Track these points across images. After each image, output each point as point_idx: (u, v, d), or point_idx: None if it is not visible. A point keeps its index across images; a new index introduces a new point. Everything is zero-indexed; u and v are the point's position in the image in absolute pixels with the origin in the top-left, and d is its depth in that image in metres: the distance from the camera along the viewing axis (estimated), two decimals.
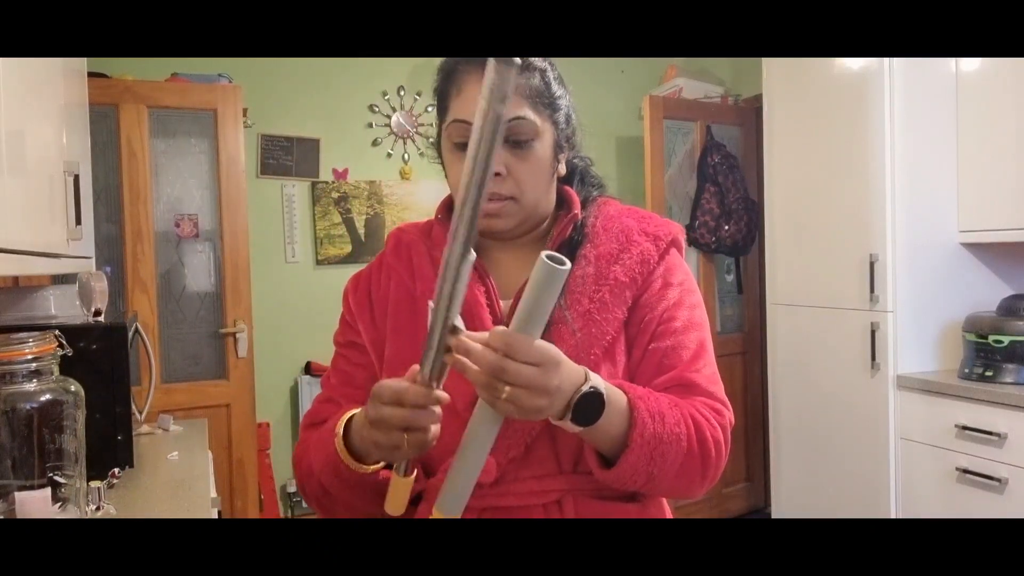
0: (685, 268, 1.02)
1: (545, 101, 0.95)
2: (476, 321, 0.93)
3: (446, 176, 1.01)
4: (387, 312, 0.99)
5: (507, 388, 0.74)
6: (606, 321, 0.93)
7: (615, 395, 0.84)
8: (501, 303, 0.97)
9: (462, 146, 0.92)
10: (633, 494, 0.96)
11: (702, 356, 0.96)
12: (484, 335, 0.75)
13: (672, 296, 0.97)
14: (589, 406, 0.80)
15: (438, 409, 0.78)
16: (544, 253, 0.73)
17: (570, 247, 0.98)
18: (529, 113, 0.92)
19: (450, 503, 0.81)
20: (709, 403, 0.93)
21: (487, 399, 0.76)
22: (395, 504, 0.85)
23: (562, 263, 0.72)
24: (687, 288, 0.99)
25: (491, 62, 0.65)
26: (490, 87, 0.65)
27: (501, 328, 0.75)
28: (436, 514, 0.82)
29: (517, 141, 0.92)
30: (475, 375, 0.74)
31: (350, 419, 0.90)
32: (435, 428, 0.79)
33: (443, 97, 0.96)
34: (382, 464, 0.89)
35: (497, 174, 0.91)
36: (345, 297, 1.05)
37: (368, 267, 1.06)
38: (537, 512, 0.91)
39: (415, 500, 0.92)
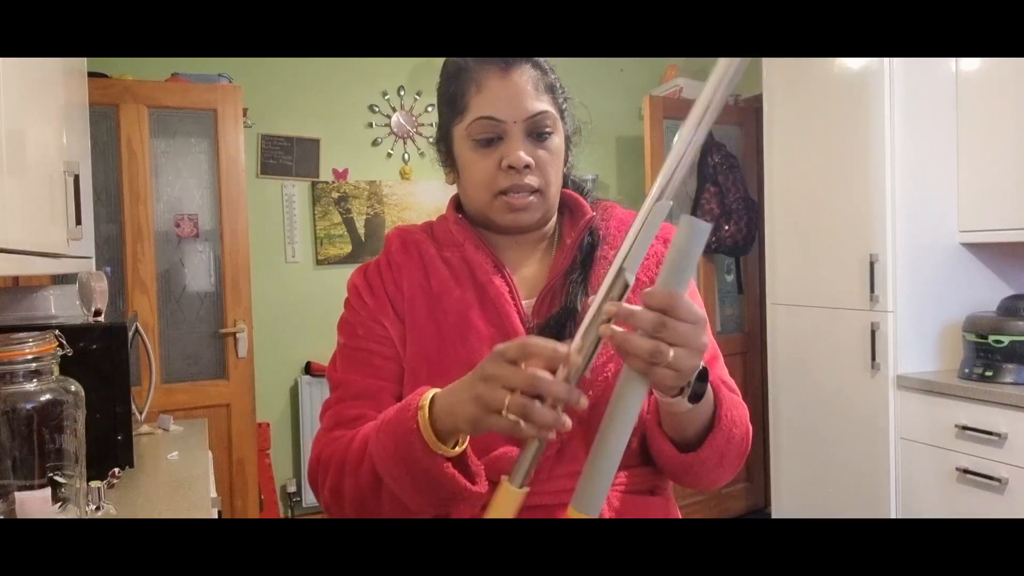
0: None
1: (557, 98, 0.98)
2: (504, 318, 0.95)
3: (454, 174, 1.01)
4: (404, 308, 0.99)
5: (671, 350, 0.70)
6: None
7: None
8: (524, 302, 0.97)
9: (485, 143, 0.94)
10: (653, 488, 0.97)
11: (718, 357, 1.00)
12: (633, 307, 0.72)
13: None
14: (702, 382, 0.81)
15: (584, 402, 0.72)
16: (684, 215, 0.73)
17: (586, 249, 1.00)
18: (549, 107, 0.95)
19: (590, 500, 0.74)
20: (738, 399, 0.96)
21: (643, 367, 0.71)
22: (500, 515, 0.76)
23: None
24: (694, 291, 1.02)
25: (734, 62, 0.70)
26: (728, 81, 0.70)
27: (653, 289, 0.72)
28: (573, 514, 0.75)
29: (540, 133, 0.95)
30: (637, 343, 0.70)
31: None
32: (568, 420, 0.72)
33: (458, 96, 0.96)
34: (463, 446, 0.82)
35: (527, 166, 0.93)
36: (356, 292, 1.02)
37: (374, 263, 1.04)
38: None
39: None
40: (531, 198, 0.95)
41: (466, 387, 0.76)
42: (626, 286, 0.73)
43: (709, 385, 0.85)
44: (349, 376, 0.99)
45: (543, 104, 0.95)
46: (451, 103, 0.98)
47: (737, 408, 0.91)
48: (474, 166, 0.96)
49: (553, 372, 0.72)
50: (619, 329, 0.72)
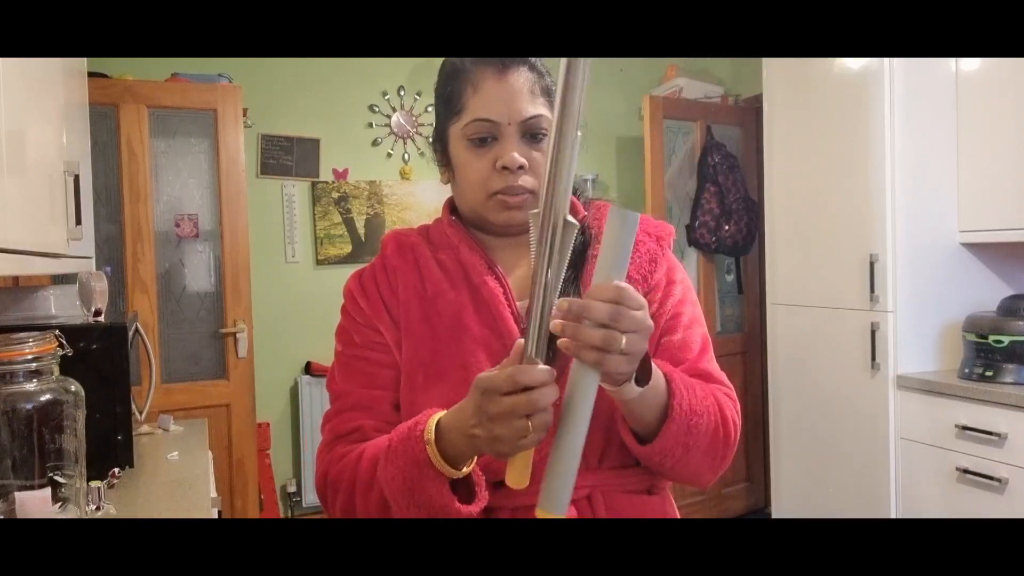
0: (681, 266, 1.06)
1: (553, 101, 0.98)
2: (498, 319, 0.95)
3: (449, 173, 1.02)
4: (400, 313, 0.99)
5: (624, 337, 0.72)
6: None
7: (654, 363, 0.86)
8: (518, 303, 0.98)
9: (480, 143, 0.95)
10: (651, 487, 0.98)
11: (707, 350, 1.01)
12: (587, 301, 0.73)
13: (677, 293, 1.01)
14: (646, 363, 0.82)
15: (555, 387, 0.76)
16: (613, 207, 0.75)
17: (578, 249, 0.99)
18: (544, 110, 0.97)
19: (556, 499, 0.76)
20: (724, 390, 0.97)
21: (596, 358, 0.73)
22: (521, 476, 0.81)
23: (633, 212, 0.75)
24: (687, 286, 1.04)
25: (581, 62, 0.71)
26: (581, 84, 0.72)
27: (601, 283, 0.74)
28: (541, 515, 0.77)
29: (535, 135, 0.96)
30: (590, 332, 0.73)
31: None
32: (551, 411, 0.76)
33: (456, 96, 0.97)
34: (473, 464, 0.86)
35: (520, 167, 0.94)
36: (352, 298, 1.03)
37: (370, 267, 1.05)
38: (568, 509, 0.92)
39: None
40: (524, 198, 0.95)
41: (471, 425, 0.78)
42: (567, 226, 0.75)
43: (662, 374, 0.87)
44: (346, 386, 1.00)
45: (539, 107, 0.96)
46: (448, 103, 0.99)
47: (699, 398, 0.90)
48: (469, 166, 0.97)
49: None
50: (569, 324, 0.74)
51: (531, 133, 0.95)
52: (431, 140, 1.06)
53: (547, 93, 0.98)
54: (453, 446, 0.83)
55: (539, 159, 0.96)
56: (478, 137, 0.95)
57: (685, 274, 1.05)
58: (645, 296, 0.98)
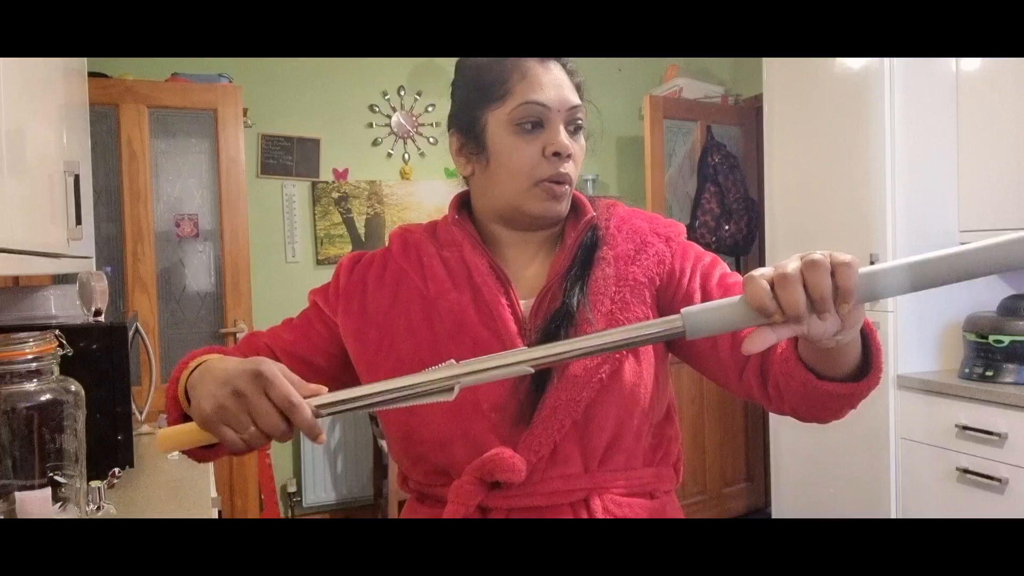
0: (698, 247, 1.03)
1: (583, 98, 1.00)
2: (499, 321, 0.93)
3: (478, 164, 0.98)
4: (388, 311, 0.98)
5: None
6: (627, 320, 0.94)
7: None
8: (521, 303, 0.96)
9: (529, 128, 0.94)
10: (653, 491, 0.96)
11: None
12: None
13: (718, 269, 0.99)
14: None
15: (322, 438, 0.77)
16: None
17: (586, 249, 0.99)
18: (580, 103, 0.98)
19: None
20: None
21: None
22: (171, 441, 0.78)
23: None
24: (716, 259, 1.01)
25: None
26: None
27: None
28: None
29: (576, 126, 0.97)
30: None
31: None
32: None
33: (498, 82, 0.94)
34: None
35: (568, 156, 0.94)
36: (337, 272, 1.04)
37: (372, 255, 1.04)
38: (565, 511, 0.90)
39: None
40: (566, 188, 0.96)
41: (218, 384, 0.74)
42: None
43: None
44: (283, 331, 1.06)
45: (578, 98, 0.97)
46: (487, 89, 0.95)
47: None
48: (516, 151, 0.94)
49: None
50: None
51: (572, 124, 0.96)
52: (452, 129, 1.01)
53: (579, 90, 0.99)
54: (193, 385, 0.82)
55: (577, 151, 0.97)
56: (529, 122, 0.93)
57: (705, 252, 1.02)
58: (673, 292, 0.96)
